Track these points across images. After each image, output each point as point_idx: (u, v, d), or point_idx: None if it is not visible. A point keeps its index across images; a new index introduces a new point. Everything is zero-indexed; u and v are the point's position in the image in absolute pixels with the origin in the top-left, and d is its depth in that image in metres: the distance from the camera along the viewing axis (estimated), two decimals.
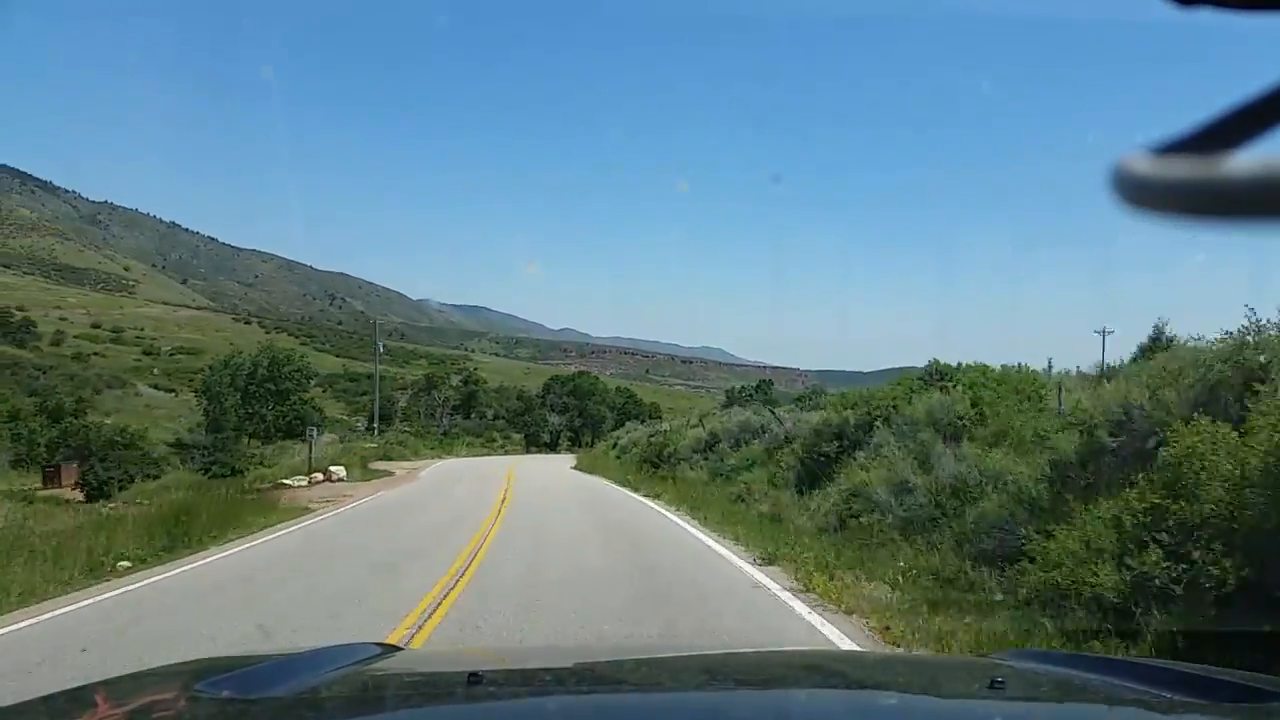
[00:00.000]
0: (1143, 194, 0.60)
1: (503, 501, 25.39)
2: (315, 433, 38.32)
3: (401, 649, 3.28)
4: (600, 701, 2.20)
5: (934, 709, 2.23)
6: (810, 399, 48.95)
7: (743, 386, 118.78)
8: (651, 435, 46.62)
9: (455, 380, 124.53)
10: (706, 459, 31.36)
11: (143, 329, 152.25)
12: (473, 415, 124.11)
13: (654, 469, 36.61)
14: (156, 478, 38.33)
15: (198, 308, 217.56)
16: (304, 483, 33.11)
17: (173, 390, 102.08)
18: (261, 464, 38.29)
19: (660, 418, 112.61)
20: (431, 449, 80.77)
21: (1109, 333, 47.50)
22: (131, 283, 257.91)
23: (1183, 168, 0.59)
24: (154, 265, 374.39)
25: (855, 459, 17.75)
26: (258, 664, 2.32)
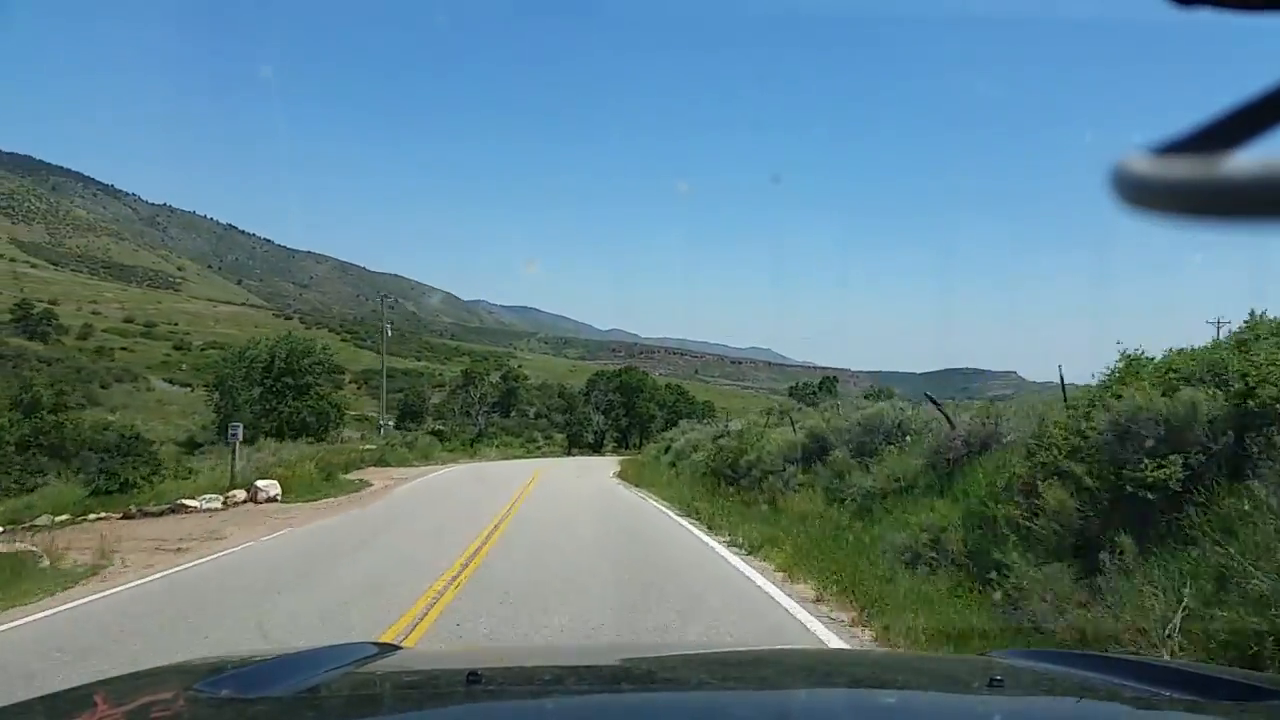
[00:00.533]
0: (1142, 194, 0.59)
1: (477, 551, 14.19)
2: (237, 434, 27.40)
3: (400, 648, 3.13)
4: (599, 701, 2.13)
5: (933, 708, 2.14)
6: (883, 395, 38.26)
7: (805, 383, 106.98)
8: (720, 437, 34.91)
9: (494, 377, 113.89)
10: (811, 473, 19.97)
11: (177, 324, 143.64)
12: (512, 413, 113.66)
13: (730, 486, 25.15)
14: (30, 490, 27.66)
15: (241, 304, 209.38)
16: (218, 503, 22.20)
17: (189, 385, 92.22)
18: (178, 475, 27.29)
19: (714, 416, 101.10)
20: (452, 451, 70.28)
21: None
22: (178, 280, 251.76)
23: (1182, 168, 0.58)
24: (209, 266, 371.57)
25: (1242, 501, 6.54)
26: (257, 663, 2.27)
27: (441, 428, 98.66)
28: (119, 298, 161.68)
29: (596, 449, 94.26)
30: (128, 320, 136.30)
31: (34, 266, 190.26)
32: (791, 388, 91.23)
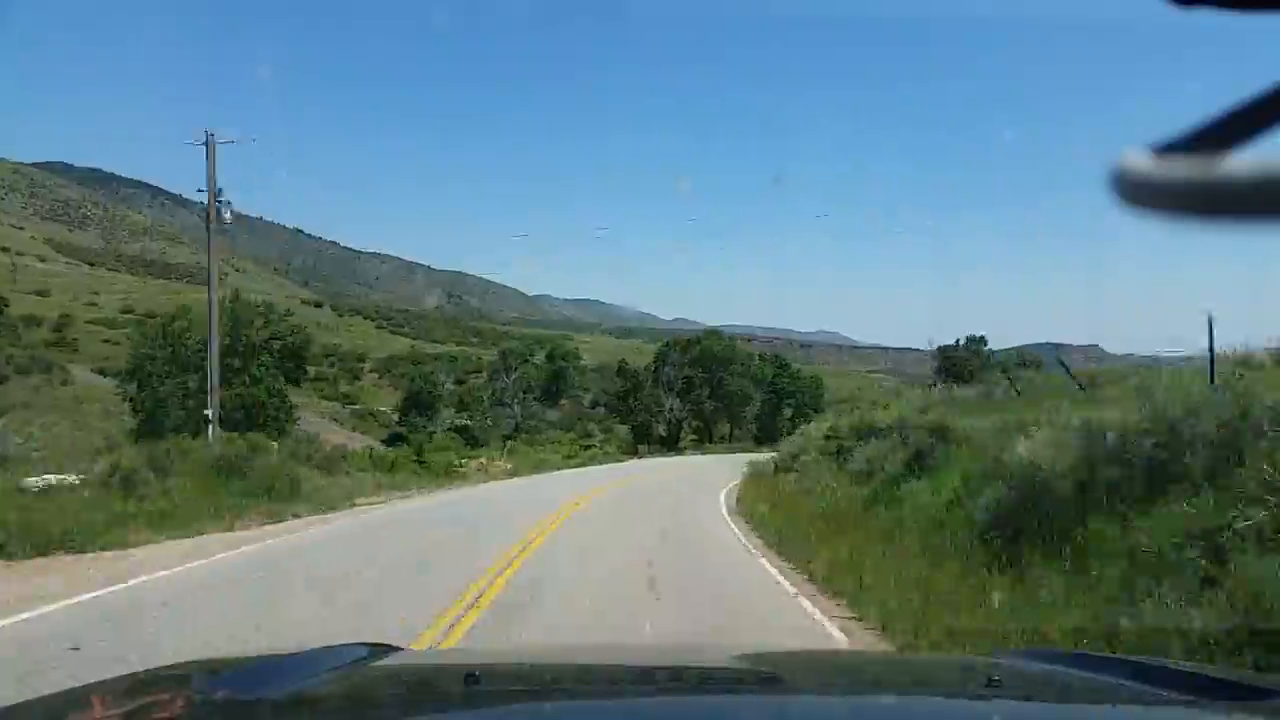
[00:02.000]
0: (1142, 193, 0.57)
1: None
2: None
3: (399, 649, 2.81)
4: (598, 701, 2.07)
5: (932, 708, 2.11)
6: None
7: (956, 340, 77.65)
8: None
9: (539, 357, 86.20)
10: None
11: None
12: (562, 401, 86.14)
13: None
14: None
15: (286, 296, 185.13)
16: None
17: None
18: None
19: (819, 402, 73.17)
20: (452, 464, 42.10)
21: None
22: (222, 275, 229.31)
23: (1182, 167, 0.56)
24: (275, 270, 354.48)
25: None
26: (254, 664, 2.23)
27: (466, 422, 71.62)
28: (129, 288, 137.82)
29: (671, 445, 66.32)
30: (126, 311, 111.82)
31: (43, 261, 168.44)
32: (944, 349, 62.48)
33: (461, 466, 45.07)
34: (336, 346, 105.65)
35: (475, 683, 1.92)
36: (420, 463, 29.62)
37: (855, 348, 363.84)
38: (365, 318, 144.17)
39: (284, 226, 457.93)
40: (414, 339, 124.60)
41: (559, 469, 40.10)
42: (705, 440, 69.70)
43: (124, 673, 2.46)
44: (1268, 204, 0.54)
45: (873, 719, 1.95)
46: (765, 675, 2.44)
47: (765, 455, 45.13)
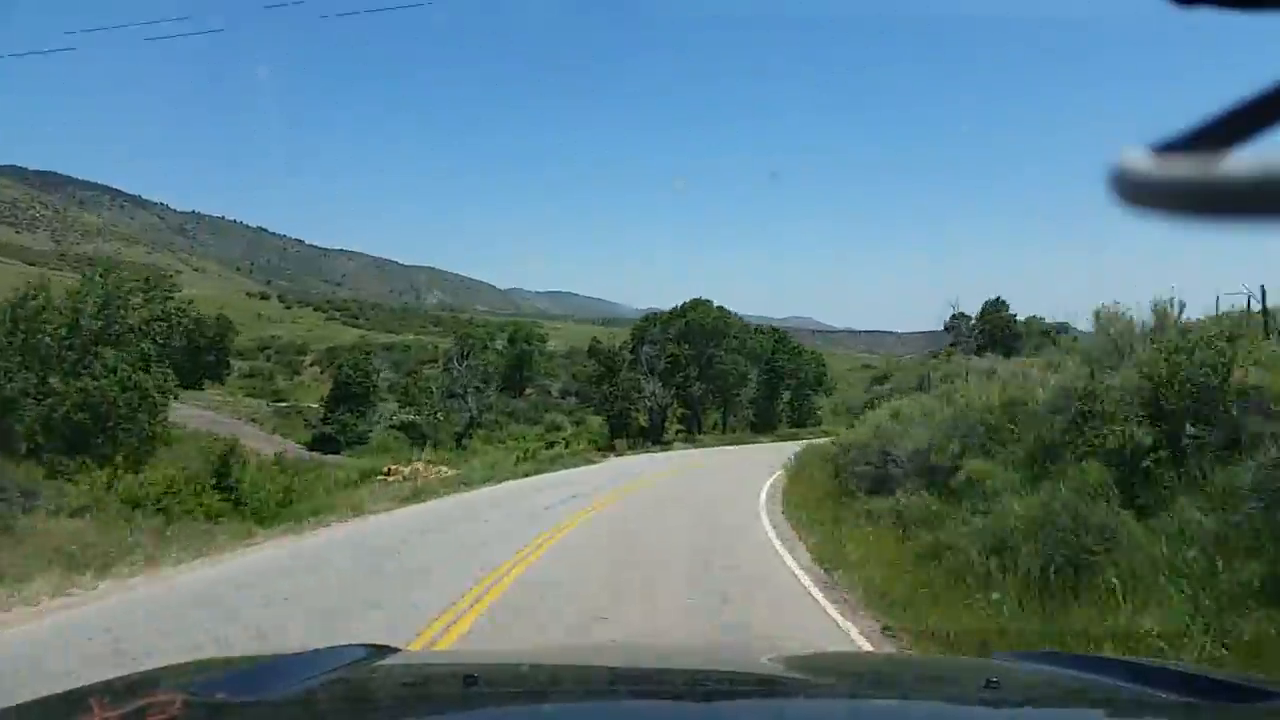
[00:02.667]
0: (1140, 192, 0.57)
1: None
2: None
3: (397, 650, 2.73)
4: (597, 702, 2.05)
5: (930, 709, 2.09)
6: None
7: (959, 324, 66.36)
8: None
9: (499, 342, 74.22)
10: None
11: None
12: (528, 391, 74.25)
13: None
14: None
15: (235, 291, 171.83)
16: None
17: None
18: None
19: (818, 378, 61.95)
20: (374, 472, 30.42)
21: None
22: (174, 273, 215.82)
23: (1181, 166, 0.55)
24: (237, 269, 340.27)
25: None
26: (253, 666, 2.22)
27: (413, 418, 59.70)
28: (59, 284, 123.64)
29: (654, 437, 54.67)
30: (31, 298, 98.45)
31: None
32: (966, 328, 52.08)
33: (382, 478, 33.28)
34: (275, 339, 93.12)
35: (474, 684, 1.90)
36: (232, 499, 17.10)
37: (829, 333, 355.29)
38: (315, 309, 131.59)
39: (247, 225, 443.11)
40: (367, 330, 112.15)
41: (520, 474, 28.39)
42: (694, 431, 58.04)
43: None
44: (1267, 203, 0.53)
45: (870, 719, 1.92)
46: (765, 677, 2.40)
47: (784, 449, 33.75)
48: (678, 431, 59.54)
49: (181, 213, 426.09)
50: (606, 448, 47.20)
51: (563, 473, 29.13)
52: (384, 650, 2.51)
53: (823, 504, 16.44)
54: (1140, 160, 0.57)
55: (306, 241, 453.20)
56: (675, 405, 59.22)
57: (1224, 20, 0.65)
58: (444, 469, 41.25)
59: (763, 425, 62.20)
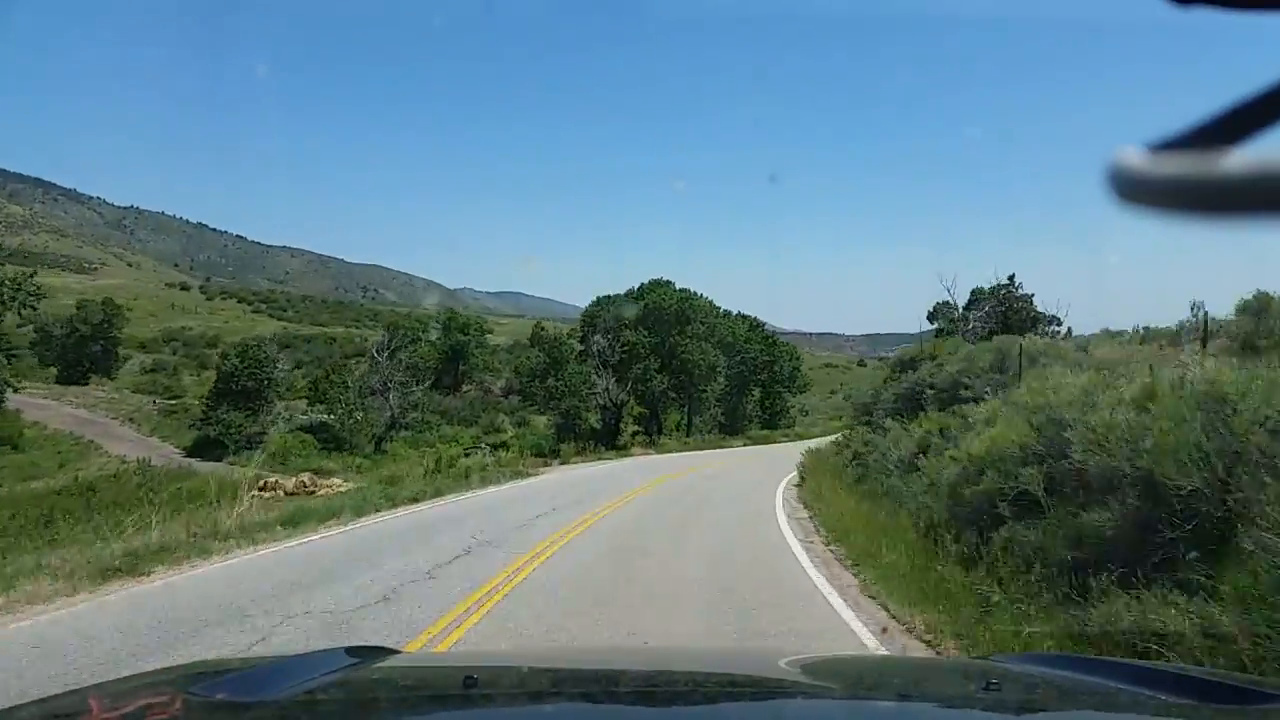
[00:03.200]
0: (1138, 191, 0.56)
1: None
2: None
3: (397, 651, 2.73)
4: (597, 703, 2.04)
5: (928, 711, 2.05)
6: None
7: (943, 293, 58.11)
8: None
9: (432, 334, 64.76)
10: None
11: None
12: (466, 388, 64.86)
13: None
14: None
15: (156, 283, 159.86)
16: None
17: None
18: None
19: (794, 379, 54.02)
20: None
21: None
22: (94, 266, 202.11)
23: (1178, 165, 0.55)
24: (175, 265, 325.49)
25: None
26: (253, 667, 2.19)
27: (329, 420, 50.35)
28: None
29: (608, 441, 45.71)
30: None
31: None
32: (943, 319, 44.15)
33: (256, 494, 23.88)
34: (185, 330, 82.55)
35: (474, 685, 1.88)
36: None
37: (777, 333, 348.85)
38: (240, 301, 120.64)
39: (187, 221, 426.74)
40: (293, 323, 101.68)
41: (423, 493, 19.16)
42: (653, 433, 49.13)
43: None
44: (1263, 202, 0.53)
45: None
46: (765, 678, 2.39)
47: (770, 454, 25.08)
48: (635, 434, 50.63)
49: (120, 208, 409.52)
50: (549, 454, 38.06)
51: (475, 496, 20.06)
52: (384, 652, 2.51)
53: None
54: (1137, 159, 0.56)
55: (249, 238, 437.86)
56: (632, 403, 50.30)
57: (1224, 20, 0.62)
58: (337, 481, 31.96)
59: (731, 427, 53.53)
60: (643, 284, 50.03)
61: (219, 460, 41.48)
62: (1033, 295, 44.22)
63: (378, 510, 16.58)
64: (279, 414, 48.59)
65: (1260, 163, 0.53)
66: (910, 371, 24.37)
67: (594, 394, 47.96)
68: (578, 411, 47.92)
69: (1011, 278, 44.99)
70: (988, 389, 16.38)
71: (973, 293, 60.02)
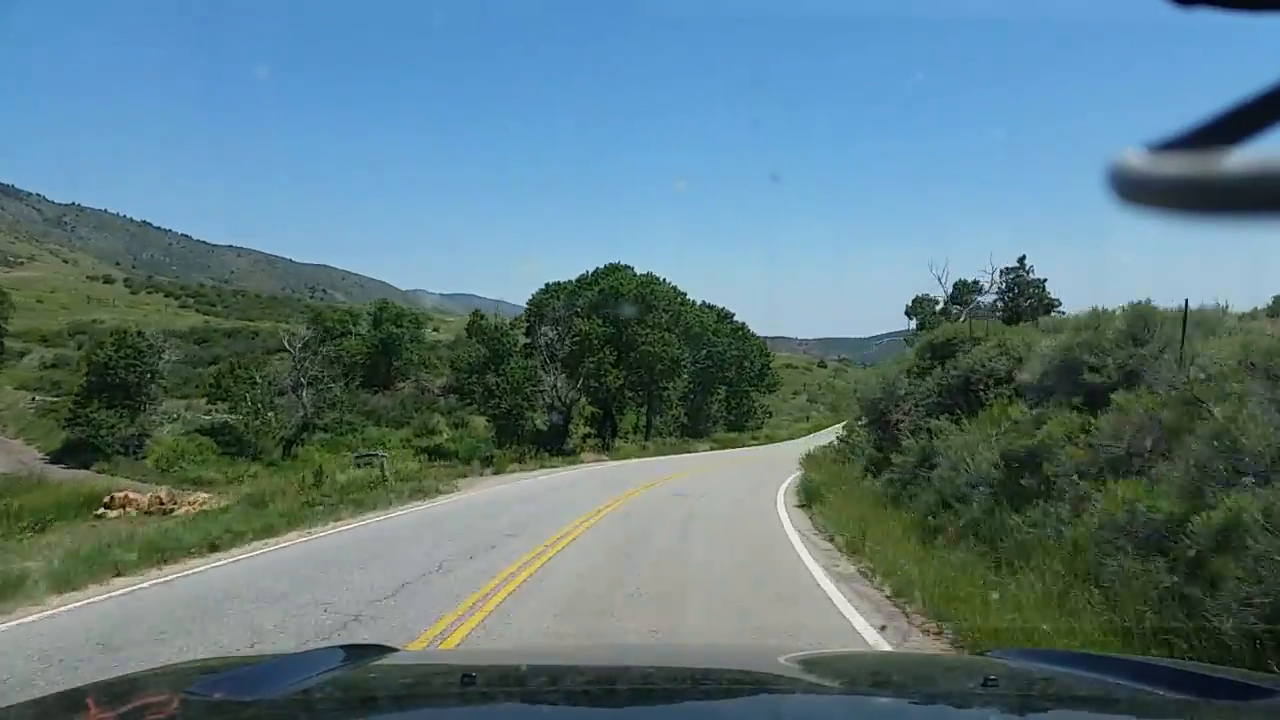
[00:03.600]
0: (1137, 191, 0.56)
1: None
2: None
3: (395, 649, 2.66)
4: (595, 702, 2.00)
5: (926, 709, 2.02)
6: None
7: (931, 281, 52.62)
8: None
9: (363, 326, 57.76)
10: None
11: None
12: (399, 386, 57.87)
13: None
14: None
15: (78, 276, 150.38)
16: None
17: None
18: None
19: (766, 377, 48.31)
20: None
21: None
22: (20, 261, 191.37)
23: (1177, 165, 0.55)
24: (116, 264, 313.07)
25: None
26: (251, 666, 2.17)
27: (233, 420, 43.31)
28: None
29: (555, 445, 39.12)
30: None
31: None
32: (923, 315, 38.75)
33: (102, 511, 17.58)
34: (97, 323, 74.52)
35: (472, 683, 1.86)
36: None
37: None
38: (166, 295, 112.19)
39: (130, 219, 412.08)
40: (220, 316, 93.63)
41: (273, 534, 12.48)
42: (608, 436, 42.67)
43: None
44: (1263, 202, 0.53)
45: (870, 718, 1.87)
46: (764, 676, 2.32)
47: (746, 460, 18.96)
48: (586, 437, 44.13)
49: (60, 205, 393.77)
50: (484, 461, 31.41)
51: (325, 536, 13.28)
52: (382, 650, 2.47)
53: None
54: (1138, 159, 0.56)
55: (194, 237, 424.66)
56: (584, 402, 43.81)
57: (1224, 20, 0.61)
58: (203, 496, 25.11)
59: (694, 430, 47.26)
60: (598, 268, 43.50)
61: (86, 467, 34.29)
62: (1044, 280, 38.75)
63: (133, 571, 9.83)
64: (166, 414, 41.34)
65: (1260, 163, 0.52)
66: (949, 358, 18.26)
67: (540, 392, 41.39)
68: (521, 411, 41.31)
69: (1022, 260, 39.29)
70: (1143, 369, 10.13)
71: (956, 286, 54.51)
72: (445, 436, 51.39)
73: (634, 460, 35.08)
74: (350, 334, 57.95)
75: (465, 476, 25.12)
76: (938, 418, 15.88)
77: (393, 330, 54.97)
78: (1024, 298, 36.46)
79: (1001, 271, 38.15)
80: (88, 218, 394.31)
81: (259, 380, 43.76)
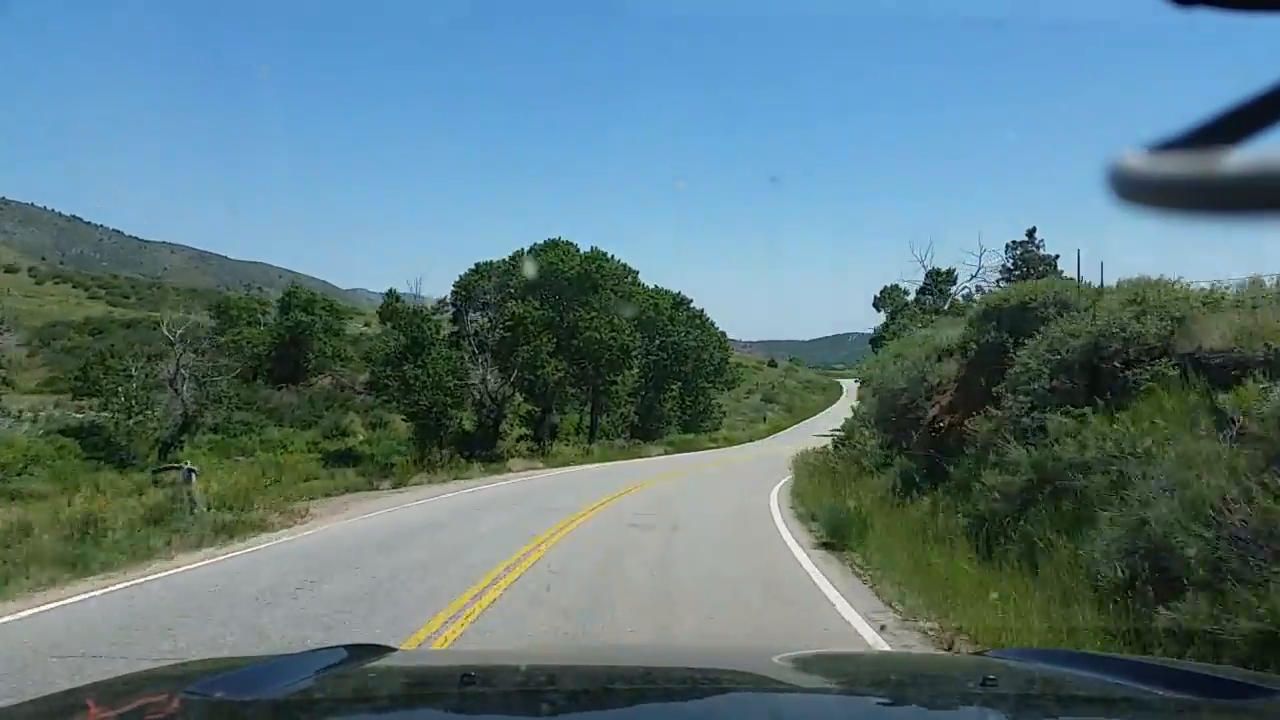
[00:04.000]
0: (1137, 191, 0.55)
1: None
2: None
3: (395, 649, 2.58)
4: (595, 702, 1.96)
5: (925, 708, 1.98)
6: None
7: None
8: None
9: (271, 315, 50.76)
10: None
11: None
12: (309, 378, 50.94)
13: None
14: None
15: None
16: None
17: None
18: None
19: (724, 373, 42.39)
20: None
21: None
22: None
23: (1177, 165, 0.54)
24: (42, 259, 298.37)
25: None
26: (251, 665, 2.11)
27: (102, 419, 36.50)
28: None
29: (484, 448, 32.69)
30: None
31: None
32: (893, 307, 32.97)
33: None
34: None
35: (471, 683, 1.85)
36: None
37: None
38: (75, 285, 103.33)
39: (59, 214, 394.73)
40: (133, 309, 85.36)
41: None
42: (545, 439, 36.34)
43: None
44: (1263, 202, 0.52)
45: (869, 718, 1.87)
46: (763, 676, 2.27)
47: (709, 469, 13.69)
48: (521, 439, 37.75)
49: None
50: (382, 471, 24.89)
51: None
52: (382, 650, 2.44)
53: None
54: (1137, 159, 0.56)
55: (125, 232, 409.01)
56: (518, 399, 37.45)
57: (1224, 20, 0.60)
58: None
59: (646, 429, 41.15)
60: (535, 244, 37.08)
61: None
62: (1057, 256, 33.30)
63: None
64: (4, 410, 34.16)
65: (1260, 163, 0.52)
66: (1024, 329, 12.33)
67: (466, 386, 34.96)
68: (444, 410, 34.82)
69: (1031, 233, 33.75)
70: None
71: (929, 275, 49.43)
72: (360, 439, 44.70)
73: (574, 468, 28.92)
74: (258, 323, 50.92)
75: (346, 494, 18.61)
76: (1052, 411, 9.96)
77: (302, 318, 47.94)
78: (1034, 274, 31.00)
79: (1008, 246, 32.63)
80: (13, 211, 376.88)
81: (134, 373, 36.62)
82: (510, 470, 26.61)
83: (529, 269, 34.11)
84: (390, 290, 36.99)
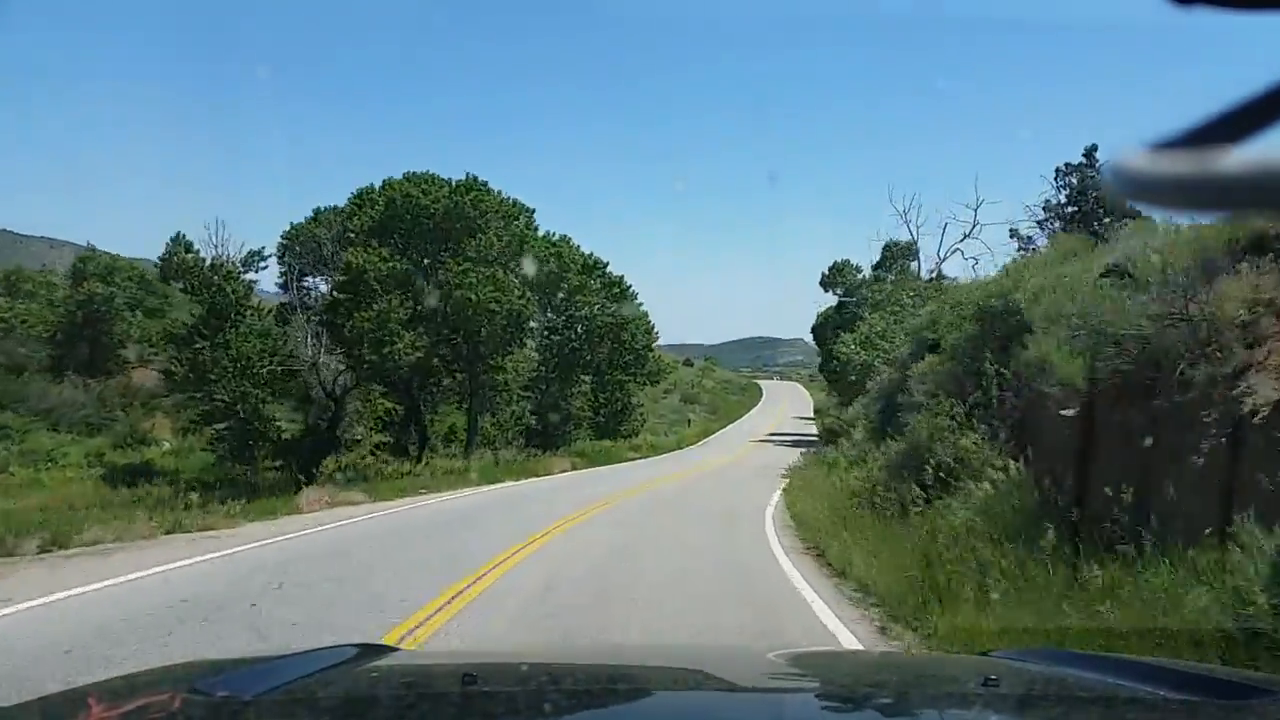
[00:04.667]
0: (1139, 189, 0.56)
1: None
2: None
3: (397, 649, 2.71)
4: (596, 702, 1.95)
5: (925, 708, 1.96)
6: None
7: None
8: None
9: (60, 292, 38.20)
10: None
11: None
12: (114, 369, 38.82)
13: None
14: None
15: None
16: None
17: None
18: None
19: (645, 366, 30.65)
20: None
21: None
22: None
23: (1178, 164, 0.54)
24: None
25: None
26: (253, 664, 2.10)
27: None
28: None
29: (316, 462, 21.38)
30: None
31: None
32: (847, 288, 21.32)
33: None
34: None
35: (473, 683, 1.82)
36: None
37: None
38: None
39: None
40: None
41: None
42: (409, 445, 25.34)
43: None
44: (1263, 201, 0.53)
45: (869, 718, 1.87)
46: (763, 676, 2.30)
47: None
48: (377, 449, 26.70)
49: None
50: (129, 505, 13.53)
51: None
52: (383, 649, 2.43)
53: None
54: (1139, 157, 0.56)
55: (2, 227, 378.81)
56: (374, 391, 26.48)
57: (1224, 20, 0.60)
58: None
59: (547, 433, 30.49)
60: (388, 179, 25.90)
61: None
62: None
63: None
64: None
65: (1260, 162, 0.52)
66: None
67: (295, 373, 23.89)
68: (257, 408, 23.66)
69: (1090, 152, 24.10)
70: None
71: (885, 247, 40.80)
72: (165, 449, 33.02)
73: (433, 499, 18.17)
74: (42, 297, 38.68)
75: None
76: None
77: (97, 290, 35.81)
78: (1097, 210, 21.53)
79: (1058, 171, 23.02)
80: None
81: None
82: (300, 510, 15.26)
83: (371, 215, 23.13)
84: (177, 235, 25.54)
